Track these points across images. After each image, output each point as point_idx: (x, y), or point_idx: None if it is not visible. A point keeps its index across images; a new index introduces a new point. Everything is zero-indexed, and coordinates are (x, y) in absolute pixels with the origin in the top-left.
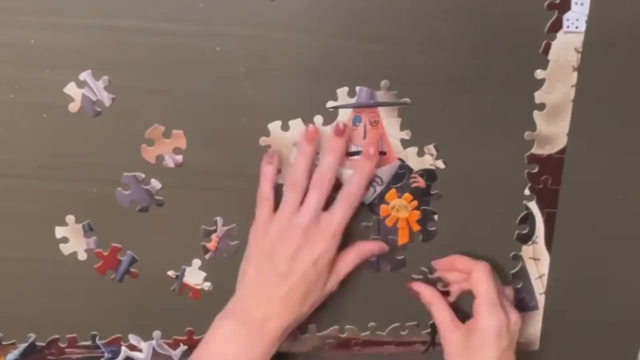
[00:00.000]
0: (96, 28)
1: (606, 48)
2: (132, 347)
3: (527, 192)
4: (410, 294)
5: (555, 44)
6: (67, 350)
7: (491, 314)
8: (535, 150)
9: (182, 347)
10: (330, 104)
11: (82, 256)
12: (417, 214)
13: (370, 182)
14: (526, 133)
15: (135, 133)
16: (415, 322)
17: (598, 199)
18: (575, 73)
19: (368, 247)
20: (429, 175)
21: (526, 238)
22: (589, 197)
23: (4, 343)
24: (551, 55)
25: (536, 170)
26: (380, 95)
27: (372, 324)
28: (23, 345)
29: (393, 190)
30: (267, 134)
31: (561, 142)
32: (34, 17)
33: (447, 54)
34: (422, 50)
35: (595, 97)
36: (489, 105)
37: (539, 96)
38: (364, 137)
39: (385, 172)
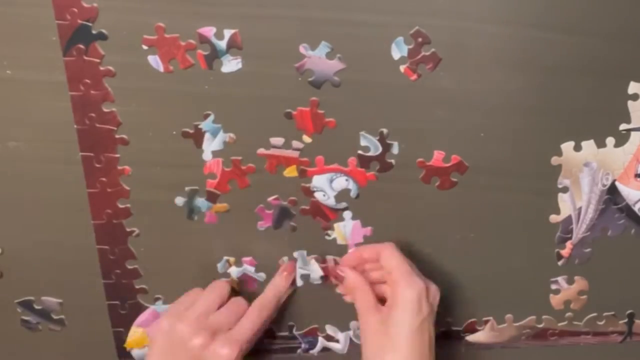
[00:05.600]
0: (291, 18)
1: None
2: (329, 338)
3: None
4: (334, 278)
5: None
6: (265, 340)
7: (409, 283)
8: None
9: None
10: (623, 126)
11: None
12: None
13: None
14: None
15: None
16: (613, 312)
17: None
18: None
19: (268, 296)
20: None
21: None
22: None
23: None
24: None
25: None
26: None
27: (569, 314)
28: None
29: None
30: (559, 153)
31: None
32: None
33: None
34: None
35: None
36: None
37: None
38: None
39: None
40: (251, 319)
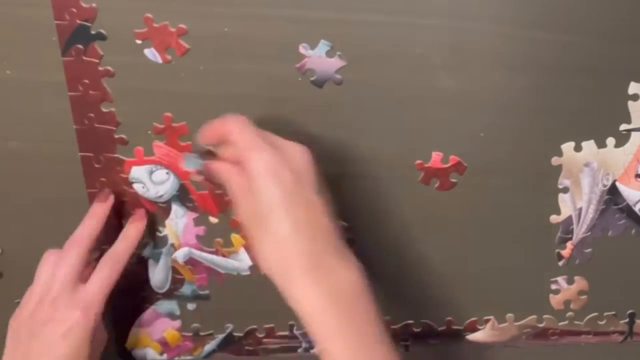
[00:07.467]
0: (290, 19)
1: None
2: None
3: None
4: (207, 170)
5: None
6: (265, 340)
7: (254, 155)
8: None
9: None
10: (623, 126)
11: None
12: None
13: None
14: None
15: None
16: (613, 312)
17: None
18: None
19: (119, 249)
20: None
21: None
22: None
23: (201, 334)
24: None
25: None
26: None
27: (569, 313)
28: (221, 336)
29: None
30: (559, 154)
31: None
32: (226, 8)
33: None
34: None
35: None
36: None
37: None
38: None
39: None
40: (101, 276)
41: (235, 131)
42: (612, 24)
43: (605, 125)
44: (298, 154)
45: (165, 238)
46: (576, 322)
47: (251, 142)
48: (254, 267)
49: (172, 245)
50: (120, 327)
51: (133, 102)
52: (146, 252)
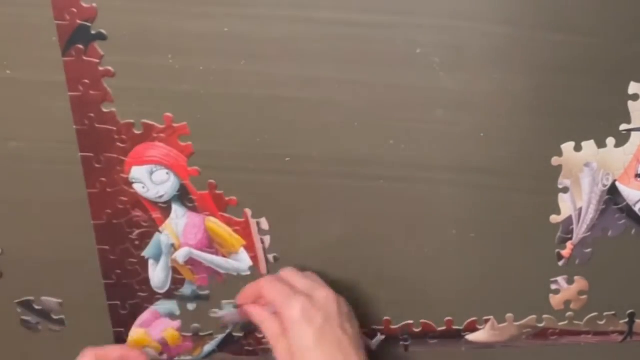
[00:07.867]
0: (291, 19)
1: None
2: None
3: None
4: (242, 315)
5: None
6: (264, 340)
7: (287, 305)
8: None
9: (380, 337)
10: (623, 126)
11: None
12: None
13: None
14: None
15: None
16: (613, 312)
17: None
18: None
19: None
20: None
21: None
22: None
23: (201, 334)
24: None
25: None
26: None
27: (569, 313)
28: (220, 336)
29: None
30: (559, 154)
31: None
32: (226, 8)
33: None
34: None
35: None
36: None
37: None
38: None
39: None
40: None
41: (266, 286)
42: (612, 24)
43: (605, 125)
44: (327, 299)
45: (165, 238)
46: (576, 322)
47: (283, 292)
48: (254, 268)
49: (173, 245)
50: (120, 327)
51: (133, 102)
52: (146, 252)
